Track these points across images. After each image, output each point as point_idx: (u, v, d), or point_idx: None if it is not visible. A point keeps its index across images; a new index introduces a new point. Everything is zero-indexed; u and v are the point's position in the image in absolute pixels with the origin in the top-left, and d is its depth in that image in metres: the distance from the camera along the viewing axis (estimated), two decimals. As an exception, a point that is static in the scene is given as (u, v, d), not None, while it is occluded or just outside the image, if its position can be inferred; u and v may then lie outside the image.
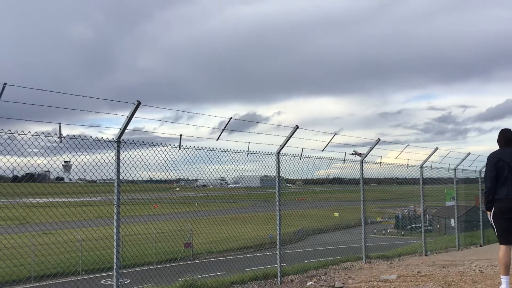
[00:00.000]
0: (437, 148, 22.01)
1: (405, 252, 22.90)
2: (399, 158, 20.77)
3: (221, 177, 19.34)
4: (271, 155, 14.75)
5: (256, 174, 17.82)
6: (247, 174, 17.47)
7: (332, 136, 16.06)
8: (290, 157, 15.24)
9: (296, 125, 14.03)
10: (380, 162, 20.20)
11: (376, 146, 19.23)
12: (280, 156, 14.74)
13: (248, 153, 13.83)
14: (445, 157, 23.35)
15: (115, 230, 10.75)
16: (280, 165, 14.93)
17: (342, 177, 23.04)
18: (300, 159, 15.55)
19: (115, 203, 10.92)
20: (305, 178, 19.37)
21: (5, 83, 8.42)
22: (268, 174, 17.03)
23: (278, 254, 14.48)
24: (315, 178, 22.69)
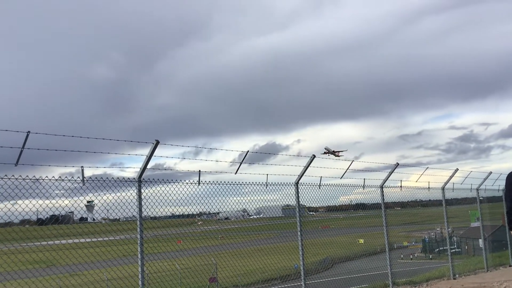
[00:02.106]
0: (457, 169, 21.80)
1: (433, 276, 22.45)
2: (420, 181, 20.60)
3: (243, 209, 19.41)
4: (290, 186, 14.84)
5: (278, 204, 17.85)
6: (269, 204, 17.54)
7: (350, 163, 16.09)
8: (309, 186, 15.31)
9: (313, 155, 14.14)
10: (401, 186, 20.05)
11: (396, 170, 19.11)
12: (299, 185, 14.80)
13: (267, 184, 13.94)
14: (466, 177, 23.09)
15: (139, 269, 10.86)
16: (300, 194, 14.98)
17: (365, 202, 22.87)
18: (319, 188, 15.58)
19: (139, 241, 11.07)
20: (327, 205, 19.32)
21: (29, 131, 8.76)
22: (290, 203, 17.06)
23: (303, 285, 14.37)
24: (337, 204, 22.61)
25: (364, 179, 17.97)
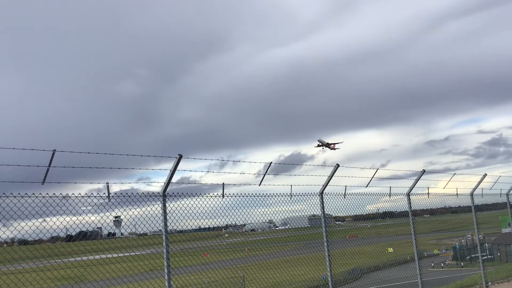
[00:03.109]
0: (485, 175, 21.31)
1: (464, 284, 21.92)
2: (448, 187, 20.20)
3: (269, 220, 19.35)
4: (314, 196, 14.73)
5: (304, 214, 17.73)
6: (295, 215, 17.41)
7: (375, 171, 15.90)
8: (334, 196, 15.17)
9: (337, 164, 14.02)
10: (428, 193, 19.69)
11: (424, 177, 18.78)
12: (323, 195, 14.68)
13: (291, 195, 13.87)
14: (495, 182, 22.54)
15: (166, 284, 10.88)
16: (325, 203, 14.85)
17: (392, 211, 22.54)
18: (345, 197, 15.42)
19: (165, 255, 11.10)
20: (354, 214, 19.08)
21: (54, 150, 8.92)
22: (316, 213, 16.93)
23: (332, 296, 14.18)
24: (364, 213, 22.32)
25: (390, 187, 17.73)
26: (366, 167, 16.93)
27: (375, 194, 17.92)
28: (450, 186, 20.53)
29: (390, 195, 17.84)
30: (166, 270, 11.01)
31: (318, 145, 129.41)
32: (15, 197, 9.64)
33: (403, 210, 20.02)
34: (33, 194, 9.90)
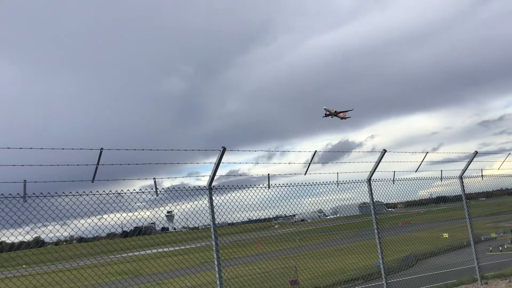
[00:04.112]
0: (543, 152, 20.31)
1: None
2: (503, 168, 19.40)
3: (318, 210, 19.20)
4: (362, 183, 14.51)
5: (354, 202, 17.50)
6: (344, 203, 17.22)
7: (425, 155, 15.46)
8: (383, 182, 14.88)
9: (384, 149, 13.73)
10: (482, 175, 18.98)
11: (477, 159, 18.11)
12: (371, 182, 14.42)
13: (338, 183, 13.70)
14: (554, 160, 21.44)
15: (217, 275, 11.02)
16: (373, 190, 14.60)
17: (446, 195, 21.87)
18: (393, 183, 15.10)
19: (214, 248, 11.25)
20: (405, 200, 18.65)
21: (102, 148, 9.17)
22: (366, 201, 16.68)
23: (385, 284, 13.96)
24: (416, 199, 21.79)
25: (442, 170, 17.22)
26: (417, 152, 16.50)
27: (426, 178, 17.45)
28: (506, 167, 19.72)
29: (441, 178, 17.33)
30: (216, 262, 11.16)
31: (326, 115, 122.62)
32: (74, 195, 10.00)
33: (457, 194, 19.41)
34: (90, 192, 10.22)
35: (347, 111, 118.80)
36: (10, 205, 9.32)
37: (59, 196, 9.68)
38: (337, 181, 13.68)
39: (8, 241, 10.79)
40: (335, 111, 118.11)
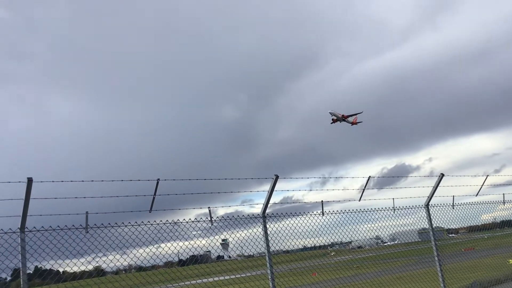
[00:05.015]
0: None
1: None
2: None
3: (376, 236, 18.76)
4: (420, 208, 14.09)
5: (413, 228, 17.02)
6: (403, 229, 16.76)
7: (485, 178, 14.87)
8: (442, 207, 14.40)
9: (441, 174, 13.33)
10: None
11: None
12: (429, 207, 13.99)
13: (394, 209, 13.39)
14: None
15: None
16: (432, 216, 14.15)
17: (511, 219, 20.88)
18: (453, 208, 14.58)
19: (269, 276, 11.19)
20: (468, 225, 17.92)
21: (158, 179, 9.44)
22: (426, 227, 16.19)
23: (448, 313, 13.36)
24: (479, 224, 20.87)
25: (504, 194, 16.46)
26: (477, 175, 15.92)
27: (487, 202, 16.73)
28: None
29: (504, 202, 16.56)
30: (271, 291, 11.08)
31: (333, 120, 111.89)
32: (132, 225, 10.32)
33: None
34: (148, 221, 10.51)
35: (356, 114, 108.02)
36: (73, 236, 9.74)
37: (119, 226, 10.02)
38: (393, 207, 13.37)
39: (70, 270, 11.19)
40: (342, 115, 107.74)
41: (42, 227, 9.71)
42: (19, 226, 9.73)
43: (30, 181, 9.10)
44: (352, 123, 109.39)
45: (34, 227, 9.77)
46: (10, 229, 9.70)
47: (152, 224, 10.57)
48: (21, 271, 9.64)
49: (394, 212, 13.55)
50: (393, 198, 13.26)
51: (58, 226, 9.74)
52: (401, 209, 13.72)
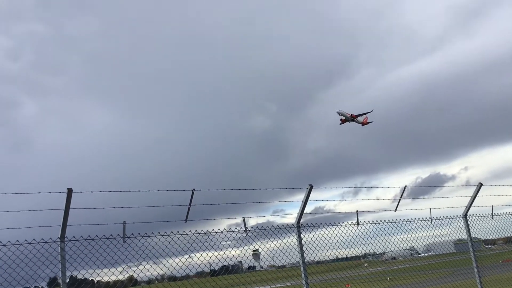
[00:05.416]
0: None
1: None
2: None
3: (410, 247, 18.40)
4: (457, 218, 13.77)
5: (448, 239, 16.68)
6: (438, 240, 16.42)
7: (525, 187, 14.45)
8: (481, 217, 14.04)
9: (480, 183, 13.01)
10: None
11: None
12: (468, 217, 13.67)
13: (431, 219, 13.12)
14: None
15: (308, 315, 10.83)
16: (470, 226, 13.81)
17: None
18: (492, 218, 14.20)
19: (304, 287, 11.10)
20: (506, 236, 17.43)
21: (193, 189, 9.54)
22: (462, 237, 15.83)
23: (489, 327, 12.97)
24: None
25: (545, 203, 15.95)
26: (513, 184, 15.44)
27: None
28: None
29: (545, 212, 16.05)
30: (307, 302, 10.99)
31: (342, 121, 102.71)
32: (168, 235, 10.44)
33: None
34: (178, 231, 10.61)
35: (365, 113, 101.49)
36: (111, 245, 9.91)
37: (155, 236, 10.13)
38: (430, 217, 13.11)
39: (105, 280, 11.34)
40: (351, 115, 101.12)
41: (81, 236, 9.92)
42: (59, 236, 9.96)
43: (70, 191, 9.33)
44: (362, 124, 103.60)
45: (74, 237, 9.98)
46: (50, 238, 9.95)
47: (187, 234, 10.66)
48: (61, 280, 9.83)
49: (431, 223, 13.28)
50: (430, 208, 13.01)
51: (97, 235, 9.92)
52: (438, 219, 13.44)
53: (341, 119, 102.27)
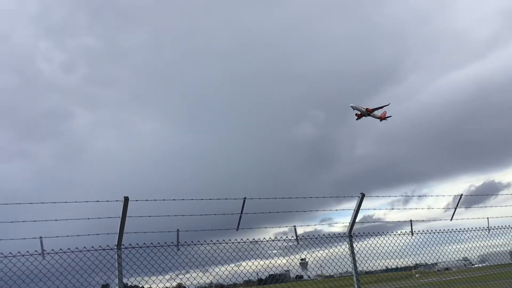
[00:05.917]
0: None
1: None
2: None
3: (463, 257, 17.85)
4: (516, 228, 13.26)
5: (505, 249, 16.09)
6: (494, 250, 15.89)
7: None
8: (541, 226, 13.46)
9: (540, 190, 12.49)
10: None
11: None
12: (527, 227, 13.14)
13: (489, 229, 12.69)
14: None
15: (361, 326, 10.67)
16: (530, 237, 13.26)
17: None
18: (555, 228, 13.59)
19: (358, 297, 10.95)
20: None
21: (245, 198, 9.63)
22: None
23: None
24: None
25: None
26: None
27: None
28: None
29: None
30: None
31: (357, 116, 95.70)
32: (220, 243, 10.58)
33: None
34: (229, 240, 10.72)
35: (383, 106, 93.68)
36: (166, 253, 10.12)
37: (207, 244, 10.28)
38: (487, 227, 12.68)
39: (155, 287, 11.55)
40: (367, 109, 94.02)
41: (137, 244, 10.19)
42: (116, 243, 10.26)
43: (126, 200, 9.62)
44: (380, 118, 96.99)
45: (130, 244, 10.27)
46: (107, 245, 10.27)
47: (233, 243, 10.74)
48: (117, 287, 10.10)
49: (489, 232, 12.84)
50: (487, 218, 12.57)
51: (152, 243, 10.17)
52: (495, 228, 12.98)
53: (356, 114, 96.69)
